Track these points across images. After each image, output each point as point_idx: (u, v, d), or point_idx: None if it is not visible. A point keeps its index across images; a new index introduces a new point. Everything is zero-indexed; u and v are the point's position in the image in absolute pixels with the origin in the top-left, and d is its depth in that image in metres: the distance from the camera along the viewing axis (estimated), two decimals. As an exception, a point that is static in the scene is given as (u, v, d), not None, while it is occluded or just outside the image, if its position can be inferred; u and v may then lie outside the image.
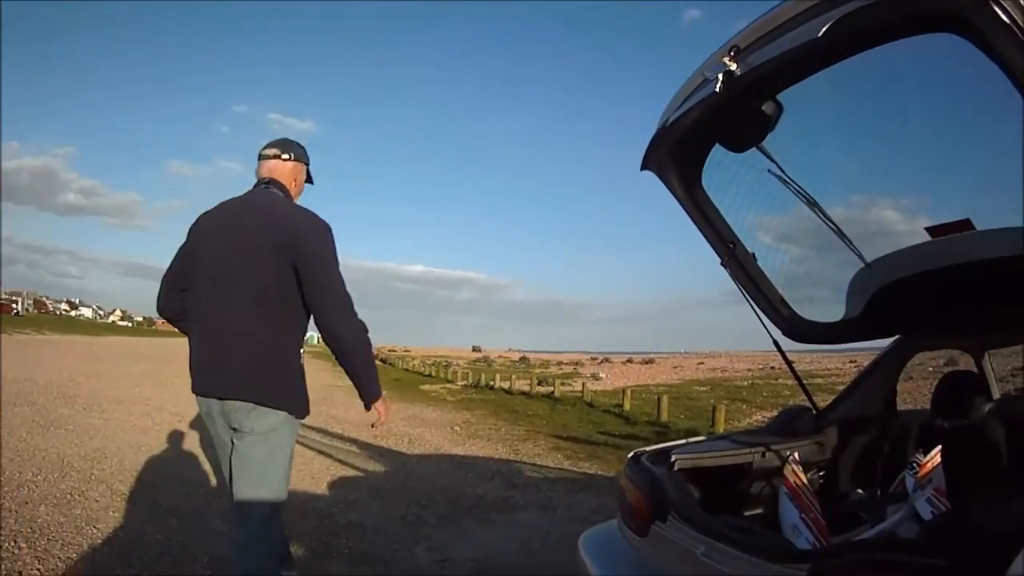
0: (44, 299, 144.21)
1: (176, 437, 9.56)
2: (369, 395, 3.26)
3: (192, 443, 9.22)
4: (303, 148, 3.54)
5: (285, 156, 3.44)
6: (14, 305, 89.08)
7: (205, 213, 3.36)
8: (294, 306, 3.09)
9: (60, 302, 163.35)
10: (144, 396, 14.37)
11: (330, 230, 3.22)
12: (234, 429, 3.10)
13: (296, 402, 3.18)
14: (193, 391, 3.22)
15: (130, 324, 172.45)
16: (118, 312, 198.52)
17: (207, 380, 3.15)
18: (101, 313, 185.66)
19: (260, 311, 3.04)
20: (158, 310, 3.58)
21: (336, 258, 3.18)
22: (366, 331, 3.19)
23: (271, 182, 3.38)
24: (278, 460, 3.17)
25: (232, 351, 3.06)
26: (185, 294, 3.34)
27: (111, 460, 7.68)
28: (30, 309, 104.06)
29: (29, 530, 5.06)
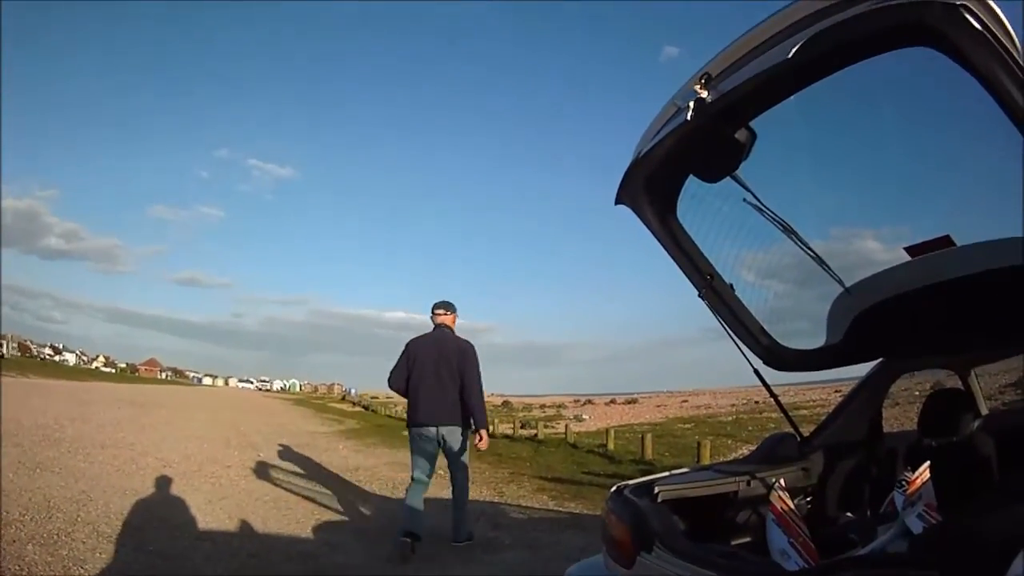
0: (28, 343, 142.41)
1: (161, 481, 9.48)
2: (480, 426, 6.80)
3: (177, 488, 9.16)
4: (454, 305, 7.16)
5: (448, 313, 7.09)
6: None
7: (416, 338, 6.98)
8: (459, 382, 6.65)
9: (44, 346, 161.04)
10: (128, 441, 14.17)
11: (474, 347, 6.90)
12: (443, 438, 6.64)
13: (465, 422, 6.74)
14: (416, 422, 6.69)
15: (113, 370, 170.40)
16: (101, 358, 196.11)
17: (429, 416, 6.63)
18: (85, 359, 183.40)
19: (451, 385, 6.65)
20: (389, 383, 7.02)
21: (477, 360, 6.84)
22: (483, 394, 6.85)
23: (443, 326, 7.03)
24: (464, 447, 6.78)
25: (444, 403, 6.61)
26: (406, 377, 6.84)
27: (97, 503, 7.60)
28: (15, 352, 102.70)
29: (17, 567, 5.04)
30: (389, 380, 6.94)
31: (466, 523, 6.96)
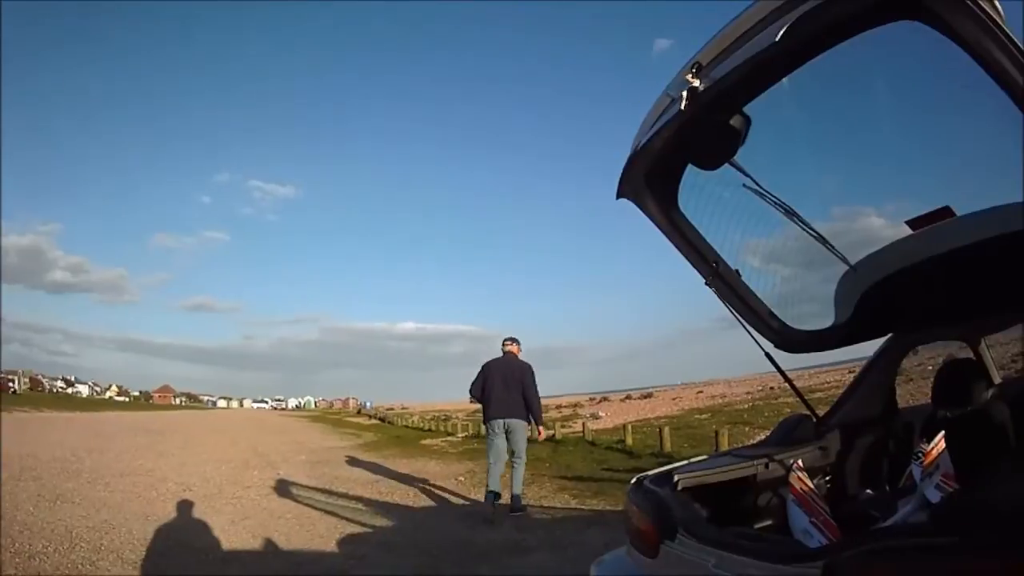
0: (40, 377, 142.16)
1: (182, 506, 9.49)
2: (538, 422, 9.66)
3: (199, 511, 9.18)
4: (518, 339, 9.81)
5: (513, 344, 9.70)
6: (11, 384, 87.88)
7: (489, 361, 9.56)
8: (521, 391, 9.25)
9: (56, 379, 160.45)
10: (147, 468, 14.19)
11: (531, 367, 9.52)
12: (507, 430, 9.17)
13: (526, 417, 9.30)
14: (489, 417, 9.30)
15: (127, 399, 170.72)
16: (114, 388, 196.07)
17: (497, 412, 9.19)
18: (97, 389, 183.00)
19: (515, 392, 9.26)
20: (470, 392, 9.59)
21: (534, 376, 9.41)
22: (539, 399, 9.47)
23: (510, 352, 9.61)
24: (524, 437, 9.35)
25: (509, 404, 9.19)
26: (481, 387, 9.47)
27: (119, 531, 7.61)
28: (26, 387, 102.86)
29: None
30: (470, 389, 9.75)
31: (521, 498, 9.24)
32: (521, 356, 9.80)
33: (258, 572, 6.20)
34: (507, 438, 9.32)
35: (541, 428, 10.02)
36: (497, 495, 9.13)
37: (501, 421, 9.33)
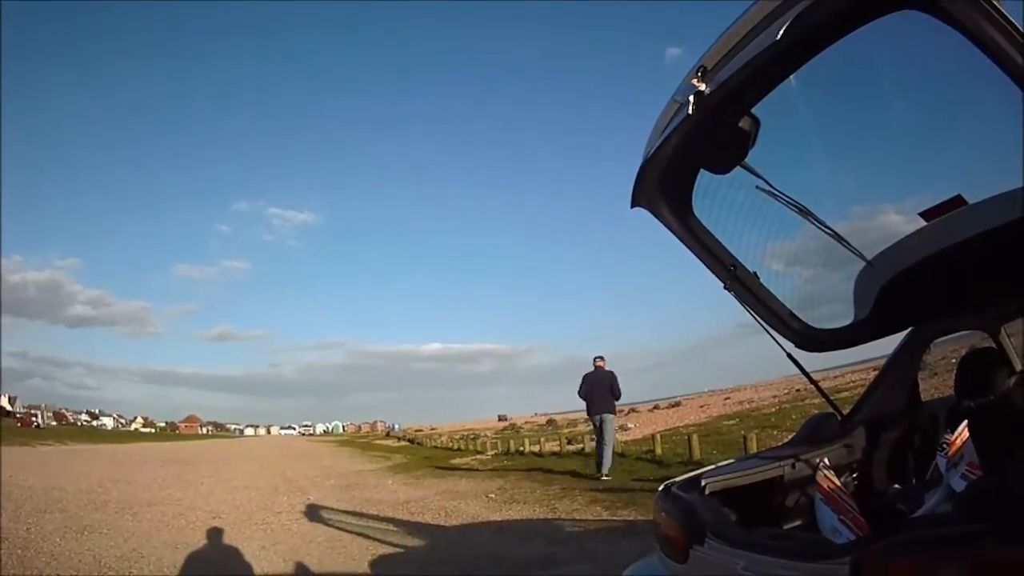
0: (64, 411, 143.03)
1: (212, 533, 9.52)
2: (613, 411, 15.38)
3: (229, 538, 9.22)
4: (604, 356, 15.23)
5: (601, 359, 15.03)
6: (34, 418, 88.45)
7: (587, 373, 14.81)
8: (609, 393, 14.67)
9: (80, 413, 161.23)
10: (175, 497, 14.29)
11: (615, 373, 14.98)
12: (601, 421, 14.49)
13: (614, 410, 15.04)
14: (591, 413, 14.79)
15: (153, 430, 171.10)
16: (139, 419, 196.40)
17: (595, 409, 14.58)
18: (123, 421, 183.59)
19: (607, 394, 14.63)
20: (579, 395, 14.89)
21: (617, 379, 14.86)
22: (620, 396, 15.07)
23: (600, 367, 14.89)
24: (611, 427, 14.94)
25: (602, 403, 14.58)
26: (586, 391, 14.83)
27: (148, 559, 7.64)
28: (50, 421, 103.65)
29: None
30: (578, 392, 14.83)
31: (606, 465, 14.20)
32: (606, 367, 14.92)
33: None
34: (600, 427, 14.50)
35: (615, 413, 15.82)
36: (599, 462, 14.47)
37: (598, 416, 14.53)
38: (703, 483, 3.15)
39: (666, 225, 3.32)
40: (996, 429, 3.00)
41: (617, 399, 14.81)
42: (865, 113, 3.04)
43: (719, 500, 3.11)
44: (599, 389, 14.51)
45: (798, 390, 42.61)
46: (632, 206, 3.23)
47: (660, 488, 3.29)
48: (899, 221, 3.25)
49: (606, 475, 13.84)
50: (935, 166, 3.12)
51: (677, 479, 3.36)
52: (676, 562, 2.90)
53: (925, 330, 4.07)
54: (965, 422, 2.97)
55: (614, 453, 16.97)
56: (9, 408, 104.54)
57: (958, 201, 2.80)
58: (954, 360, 3.72)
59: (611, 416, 14.70)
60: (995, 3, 1.78)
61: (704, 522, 2.76)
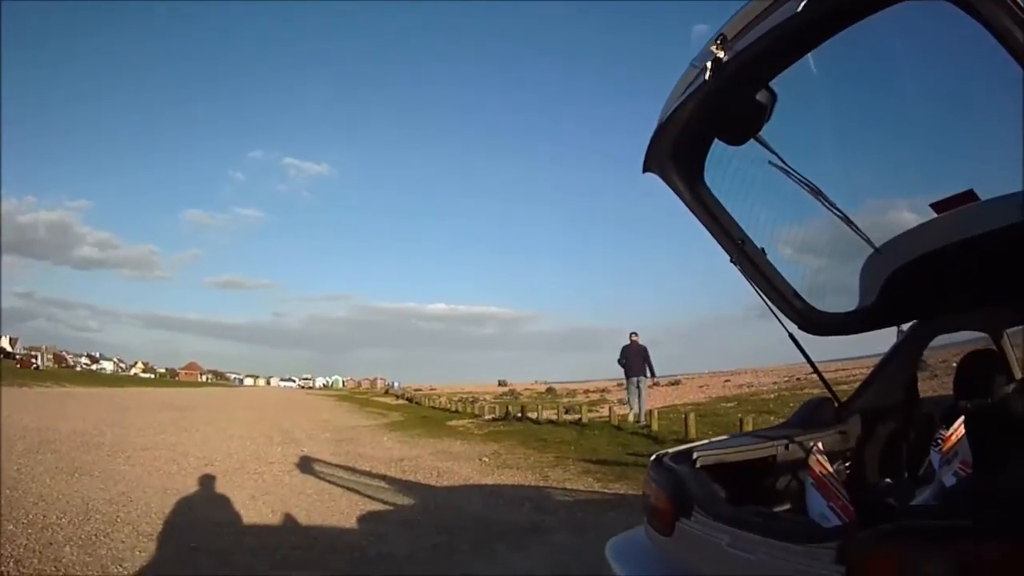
0: (64, 353, 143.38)
1: (203, 480, 9.59)
2: (653, 377, 20.04)
3: (220, 486, 9.26)
4: (638, 332, 19.25)
5: (636, 335, 18.84)
6: (34, 360, 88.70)
7: (626, 345, 18.70)
8: (644, 361, 18.62)
9: (80, 356, 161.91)
10: (169, 443, 14.38)
11: (647, 348, 18.98)
12: (638, 382, 18.54)
13: (647, 374, 18.78)
14: (628, 375, 18.70)
15: (152, 376, 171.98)
16: (140, 364, 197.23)
17: (632, 372, 18.50)
18: (123, 366, 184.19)
19: (641, 361, 18.51)
20: (619, 362, 18.82)
21: (648, 352, 18.86)
22: (653, 365, 19.15)
23: (636, 341, 18.65)
24: (645, 386, 19.17)
25: (637, 367, 18.41)
26: (625, 359, 18.82)
27: (137, 503, 7.68)
28: (50, 364, 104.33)
29: (53, 569, 5.12)
30: (618, 360, 18.36)
31: (642, 414, 17.84)
32: (640, 341, 18.61)
33: (274, 545, 6.21)
34: (637, 385, 18.30)
35: (653, 379, 20.36)
36: (637, 416, 18.14)
37: (635, 378, 18.22)
38: (695, 456, 3.17)
39: (676, 193, 3.30)
40: (991, 432, 2.97)
41: (651, 367, 18.64)
42: (882, 101, 3.03)
43: (710, 475, 3.12)
44: (635, 358, 18.36)
45: (798, 379, 42.60)
46: (644, 170, 3.22)
47: (652, 458, 3.33)
48: (911, 219, 3.21)
49: (643, 423, 17.49)
50: (951, 161, 3.10)
51: (670, 451, 3.38)
52: (661, 534, 2.93)
53: (928, 325, 4.04)
54: (962, 418, 2.94)
55: (611, 426, 18.30)
56: (10, 349, 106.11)
57: (970, 196, 2.77)
58: (954, 364, 3.70)
59: (646, 379, 18.73)
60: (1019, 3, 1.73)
61: (693, 495, 2.78)
